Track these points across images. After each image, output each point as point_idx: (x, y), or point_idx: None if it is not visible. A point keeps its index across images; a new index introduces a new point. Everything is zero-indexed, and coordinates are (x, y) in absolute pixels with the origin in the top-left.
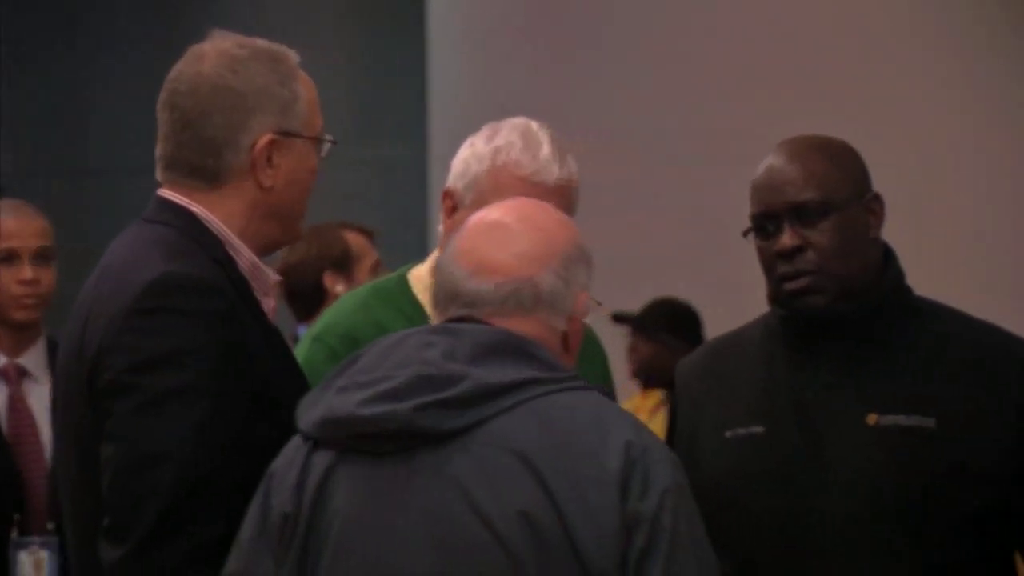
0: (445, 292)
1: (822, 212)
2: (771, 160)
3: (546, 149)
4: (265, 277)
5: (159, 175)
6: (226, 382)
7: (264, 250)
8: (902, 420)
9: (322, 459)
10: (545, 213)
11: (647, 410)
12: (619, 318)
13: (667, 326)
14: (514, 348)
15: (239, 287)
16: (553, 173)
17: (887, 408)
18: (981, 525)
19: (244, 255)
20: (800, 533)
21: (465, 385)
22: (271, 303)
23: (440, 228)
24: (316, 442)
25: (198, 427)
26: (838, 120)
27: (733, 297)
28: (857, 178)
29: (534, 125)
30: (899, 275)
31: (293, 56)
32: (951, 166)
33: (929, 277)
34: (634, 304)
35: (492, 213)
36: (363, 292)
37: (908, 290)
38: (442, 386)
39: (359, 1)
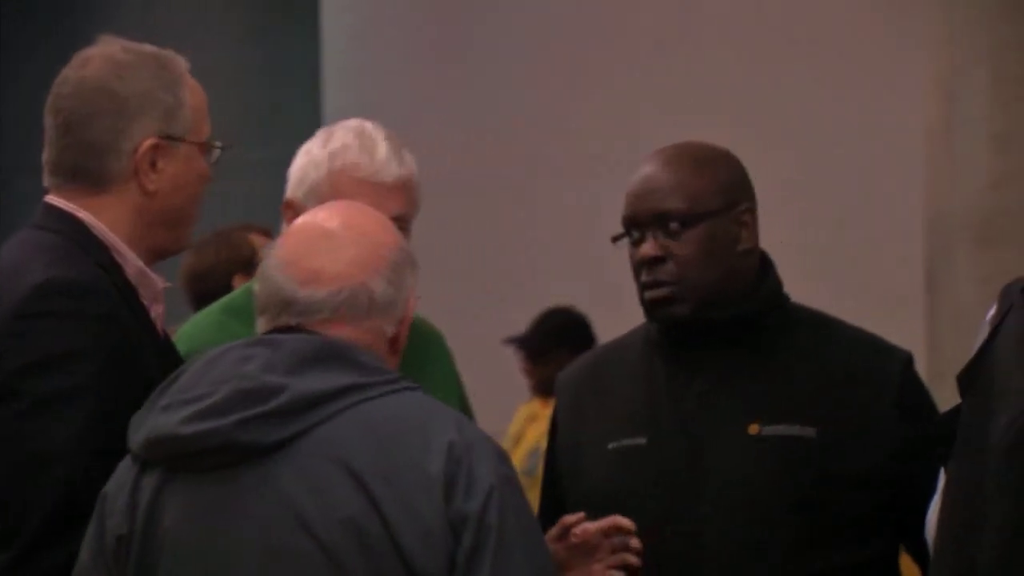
0: (276, 301)
1: (685, 222)
2: (645, 166)
3: (382, 148)
4: (152, 283)
5: (45, 180)
6: (111, 386)
7: (153, 256)
8: (783, 430)
9: (151, 479)
10: (368, 217)
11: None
12: (512, 342)
13: (557, 341)
14: (335, 355)
15: (125, 293)
16: (392, 172)
17: (769, 418)
18: (863, 531)
19: (131, 261)
20: (682, 543)
21: (285, 397)
22: (159, 309)
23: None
24: (145, 462)
25: (83, 430)
26: (722, 126)
27: (620, 303)
28: (728, 189)
29: (368, 125)
30: (776, 284)
31: (181, 62)
32: (830, 174)
33: (809, 286)
34: (517, 306)
35: (316, 220)
36: (215, 310)
37: (786, 299)
38: (262, 399)
39: (252, 3)
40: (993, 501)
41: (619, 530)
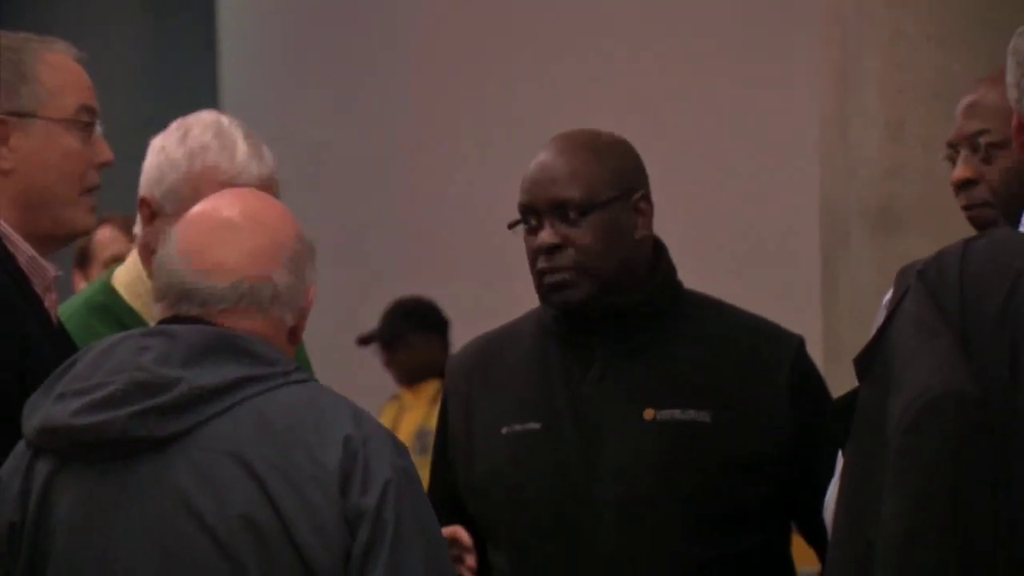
0: (175, 291)
1: (583, 210)
2: (541, 154)
3: (242, 148)
4: (45, 272)
5: None
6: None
7: (41, 244)
8: (678, 414)
9: (44, 466)
10: (268, 206)
11: (427, 400)
12: (364, 340)
13: (406, 326)
14: (231, 346)
15: (18, 282)
16: (253, 173)
17: (663, 403)
18: (758, 516)
19: (22, 250)
20: (576, 528)
21: (180, 389)
22: (52, 298)
23: (136, 232)
24: (39, 449)
25: None
26: (617, 116)
27: (507, 291)
28: (624, 176)
29: (226, 121)
30: (670, 271)
31: (40, 42)
32: (725, 162)
33: (705, 273)
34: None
35: (215, 208)
36: (81, 310)
37: (679, 285)
38: (157, 391)
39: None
40: (890, 484)
41: (456, 543)
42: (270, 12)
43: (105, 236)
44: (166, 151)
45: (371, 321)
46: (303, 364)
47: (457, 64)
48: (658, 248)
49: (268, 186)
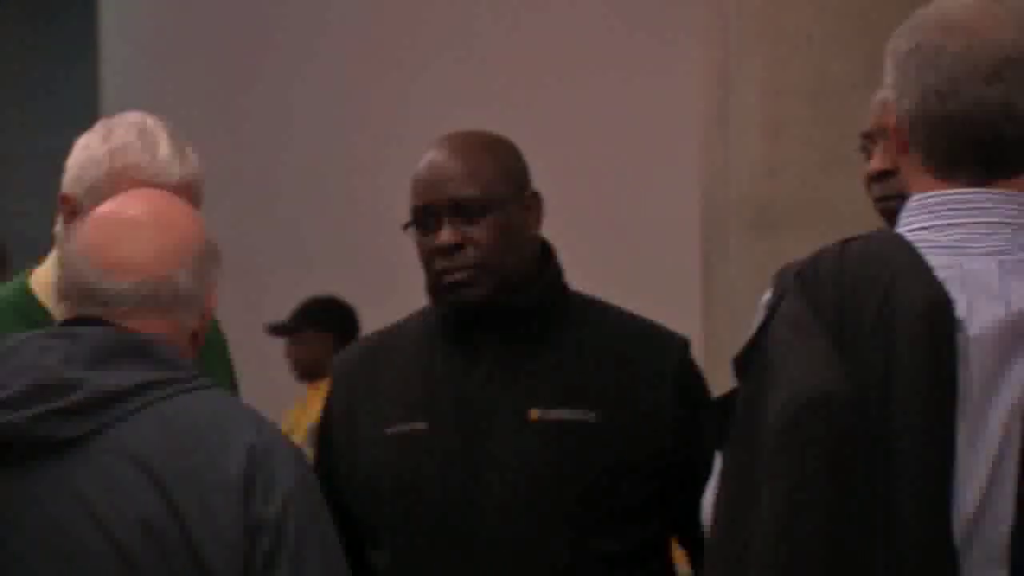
0: (78, 290)
1: (482, 209)
2: (432, 155)
3: (164, 148)
4: None
5: None
6: None
7: None
8: (564, 414)
9: None
10: (174, 207)
11: (321, 398)
12: (274, 329)
13: (317, 324)
14: (135, 349)
15: None
16: (175, 173)
17: (549, 403)
18: (642, 516)
19: None
20: (459, 529)
21: (82, 392)
22: None
23: (56, 230)
24: None
25: None
26: (499, 116)
27: (392, 291)
28: (517, 176)
29: (150, 121)
30: (557, 271)
31: None
32: (606, 162)
33: (588, 273)
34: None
35: (120, 207)
36: None
37: (566, 286)
38: (59, 393)
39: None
40: (766, 483)
41: None
42: (152, 16)
43: None
44: (89, 148)
45: (254, 332)
46: (224, 367)
47: (340, 70)
48: (545, 249)
49: (189, 187)
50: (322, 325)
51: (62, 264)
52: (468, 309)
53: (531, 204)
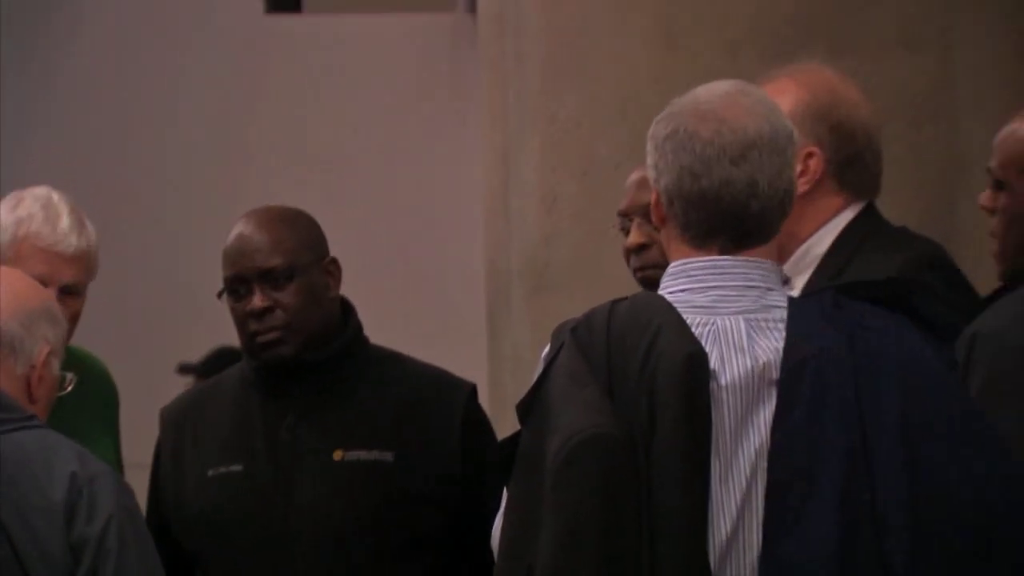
0: None
1: (288, 276)
2: (240, 228)
3: (65, 221)
4: None
5: None
6: None
7: None
8: (364, 455)
9: None
10: (16, 276)
11: None
12: (184, 369)
13: (220, 368)
14: None
15: None
16: (72, 244)
17: (351, 444)
18: (434, 543)
19: None
20: (273, 560)
21: None
22: None
23: None
24: None
25: None
26: (302, 186)
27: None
28: (316, 244)
29: (55, 196)
30: (358, 327)
31: None
32: (403, 229)
33: (384, 328)
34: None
35: None
36: None
37: (366, 340)
38: None
39: None
40: (546, 515)
41: None
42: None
43: None
44: None
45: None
46: (104, 411)
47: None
48: (346, 307)
49: (84, 257)
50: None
51: None
52: (278, 364)
53: (330, 269)
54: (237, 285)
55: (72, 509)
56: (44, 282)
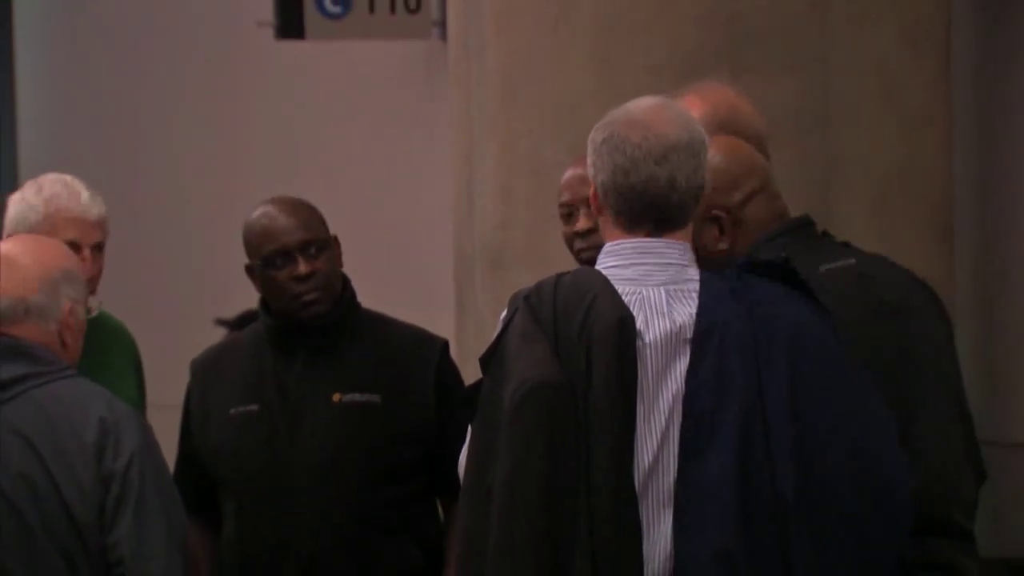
0: None
1: (320, 247)
2: (271, 213)
3: (84, 194)
4: None
5: None
6: None
7: None
8: (357, 397)
9: None
10: (45, 244)
11: None
12: (220, 322)
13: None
14: (12, 351)
15: None
16: (94, 212)
17: (346, 389)
18: (412, 471)
19: None
20: (280, 485)
21: None
22: None
23: None
24: None
25: None
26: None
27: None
28: (326, 225)
29: (68, 177)
30: (353, 294)
31: None
32: (387, 218)
33: (369, 300)
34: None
35: (5, 246)
36: None
37: (359, 305)
38: None
39: None
40: (502, 445)
41: None
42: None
43: None
44: (25, 200)
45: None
46: (125, 358)
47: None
48: (345, 278)
49: (102, 222)
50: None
51: None
52: (317, 318)
53: (335, 245)
54: (277, 257)
55: (101, 448)
56: (77, 244)
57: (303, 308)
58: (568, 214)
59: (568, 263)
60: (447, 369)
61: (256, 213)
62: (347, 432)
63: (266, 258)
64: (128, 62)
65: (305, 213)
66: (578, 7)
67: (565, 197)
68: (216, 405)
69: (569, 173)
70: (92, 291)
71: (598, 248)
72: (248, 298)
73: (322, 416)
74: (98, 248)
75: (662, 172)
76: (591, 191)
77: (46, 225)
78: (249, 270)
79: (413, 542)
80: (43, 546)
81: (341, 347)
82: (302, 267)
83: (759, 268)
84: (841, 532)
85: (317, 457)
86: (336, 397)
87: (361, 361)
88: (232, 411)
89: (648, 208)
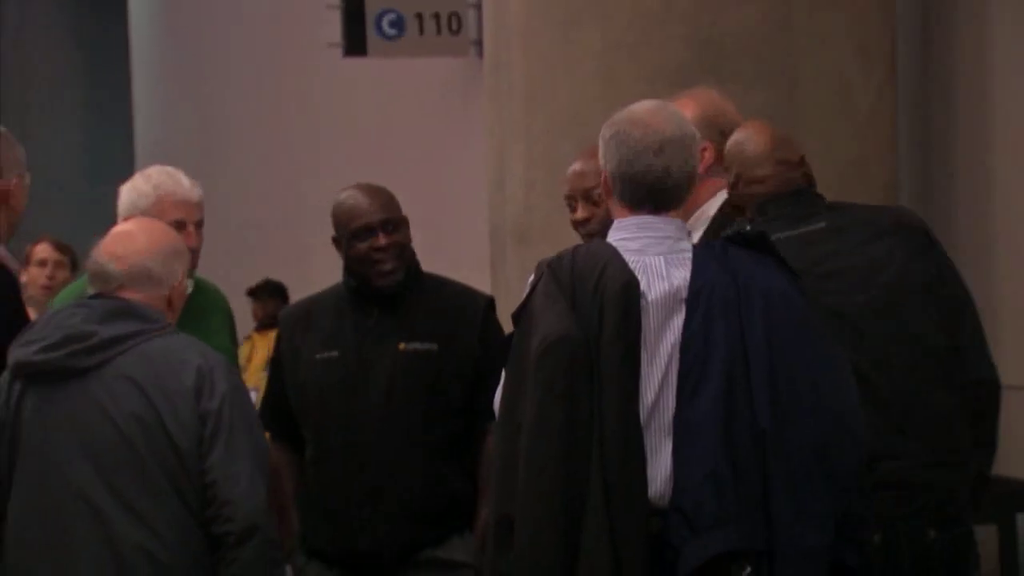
0: (93, 272)
1: (398, 224)
2: (356, 195)
3: (185, 180)
4: (12, 264)
5: None
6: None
7: None
8: (418, 346)
9: (17, 386)
10: (158, 226)
11: (272, 339)
12: (250, 291)
13: (269, 293)
14: (126, 311)
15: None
16: (196, 194)
17: (410, 339)
18: (462, 409)
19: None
20: (357, 418)
21: (95, 339)
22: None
23: None
24: (14, 376)
25: None
26: (369, 168)
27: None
28: (399, 206)
29: (169, 168)
30: (417, 264)
31: None
32: (438, 205)
33: (429, 266)
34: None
35: (122, 226)
36: (79, 285)
37: (421, 271)
38: (81, 340)
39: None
40: (529, 387)
41: None
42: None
43: (41, 248)
44: (136, 189)
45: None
46: (220, 321)
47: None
48: (410, 249)
49: (201, 205)
50: (274, 296)
51: (88, 261)
52: (370, 285)
53: (406, 224)
54: (362, 232)
55: (198, 391)
56: (182, 223)
57: (380, 276)
58: (570, 205)
59: (578, 240)
60: (490, 321)
61: (343, 195)
62: (410, 376)
63: (353, 232)
64: (224, 76)
65: (384, 196)
66: (586, 31)
67: (566, 189)
68: (303, 350)
69: (571, 168)
70: (194, 261)
71: (591, 235)
72: (317, 268)
73: (390, 361)
74: (198, 225)
75: (659, 162)
76: (602, 178)
77: (156, 209)
78: (336, 242)
79: (464, 468)
80: (152, 471)
81: (406, 305)
82: (382, 240)
83: (740, 240)
84: (807, 454)
85: (385, 396)
86: (401, 346)
87: (422, 316)
88: (317, 356)
89: (648, 191)
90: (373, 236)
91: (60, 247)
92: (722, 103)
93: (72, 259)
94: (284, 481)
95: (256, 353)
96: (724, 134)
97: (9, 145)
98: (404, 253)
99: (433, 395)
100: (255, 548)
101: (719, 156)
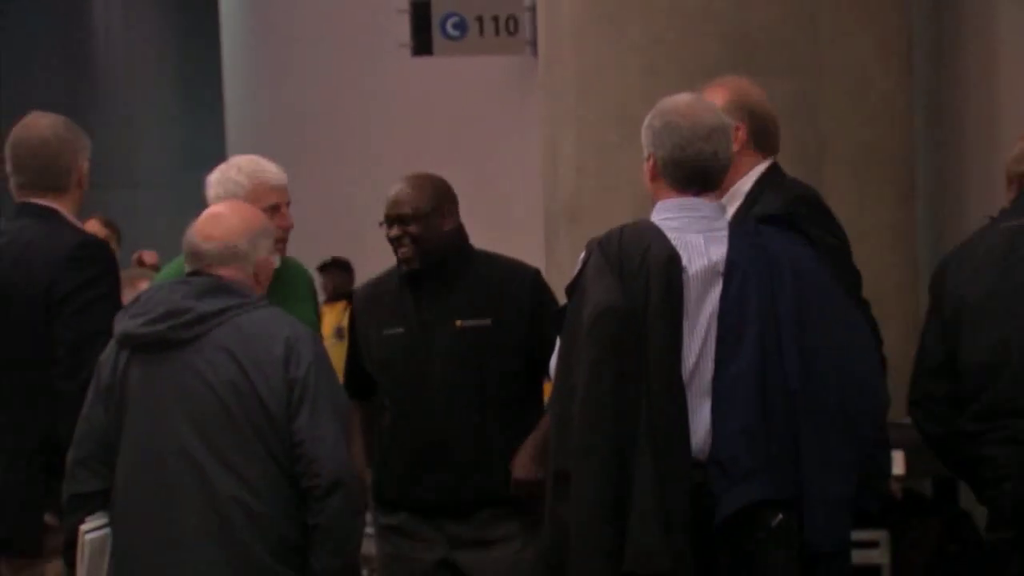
0: (187, 252)
1: (417, 217)
2: (398, 183)
3: (272, 168)
4: None
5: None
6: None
7: None
8: (473, 322)
9: (123, 355)
10: (245, 207)
11: (339, 310)
12: (320, 267)
13: (338, 268)
14: (220, 288)
15: None
16: (284, 178)
17: (465, 315)
18: (517, 374)
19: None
20: (421, 391)
21: (193, 313)
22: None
23: None
24: (121, 346)
25: (109, 320)
26: (430, 157)
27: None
28: (437, 197)
29: (256, 156)
30: (466, 238)
31: None
32: (499, 187)
33: (484, 244)
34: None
35: (213, 208)
36: (180, 261)
37: (471, 248)
38: (180, 314)
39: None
40: (582, 353)
41: None
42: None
43: (94, 227)
44: (229, 178)
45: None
46: (303, 295)
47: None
48: (462, 230)
49: (286, 188)
50: (341, 271)
51: (184, 241)
52: (413, 268)
53: (447, 212)
54: (387, 220)
55: (287, 360)
56: (277, 205)
57: (400, 261)
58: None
59: (625, 220)
60: (540, 291)
61: (396, 185)
62: (467, 349)
63: (384, 220)
64: (304, 75)
65: (419, 189)
66: (630, 30)
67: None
68: (373, 326)
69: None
70: (285, 240)
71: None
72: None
73: (449, 337)
74: (288, 205)
75: (708, 147)
76: (648, 163)
77: (252, 195)
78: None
79: (521, 433)
80: (246, 432)
81: (459, 283)
82: (394, 231)
83: (770, 220)
84: (832, 413)
85: (446, 369)
86: (458, 323)
87: (475, 293)
88: (385, 332)
89: (697, 174)
90: (390, 226)
91: (107, 223)
92: (749, 87)
93: (117, 235)
94: (359, 433)
95: (326, 322)
96: (754, 114)
97: (78, 133)
98: (421, 243)
99: (490, 366)
100: (340, 499)
101: (750, 135)
